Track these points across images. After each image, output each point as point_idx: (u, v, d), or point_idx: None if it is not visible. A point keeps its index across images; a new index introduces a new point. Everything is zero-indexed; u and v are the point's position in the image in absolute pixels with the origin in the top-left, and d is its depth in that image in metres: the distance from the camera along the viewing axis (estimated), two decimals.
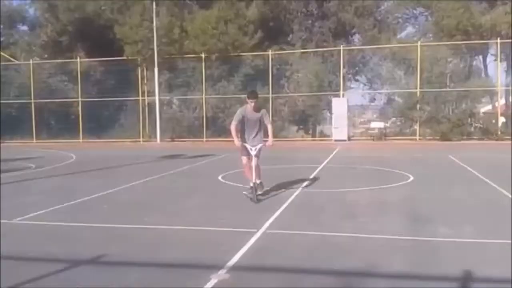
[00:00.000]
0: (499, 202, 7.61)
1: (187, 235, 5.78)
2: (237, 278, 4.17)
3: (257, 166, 7.88)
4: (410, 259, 4.73)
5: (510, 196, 7.89)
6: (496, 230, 5.80)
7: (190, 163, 14.35)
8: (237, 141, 7.75)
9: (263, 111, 7.96)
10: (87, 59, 28.76)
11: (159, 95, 26.54)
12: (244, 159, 8.01)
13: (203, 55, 26.37)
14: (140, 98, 27.93)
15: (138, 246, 5.32)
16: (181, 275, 4.32)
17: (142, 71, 28.14)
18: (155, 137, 26.56)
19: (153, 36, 26.02)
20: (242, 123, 7.82)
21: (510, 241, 5.27)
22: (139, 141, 26.94)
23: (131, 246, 5.32)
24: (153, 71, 26.50)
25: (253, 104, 7.71)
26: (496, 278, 4.13)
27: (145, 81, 28.31)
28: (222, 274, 4.23)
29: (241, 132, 7.88)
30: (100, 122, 27.90)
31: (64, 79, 29.16)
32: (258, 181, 7.86)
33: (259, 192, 7.87)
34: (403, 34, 32.50)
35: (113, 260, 4.77)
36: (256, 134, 7.86)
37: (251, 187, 7.76)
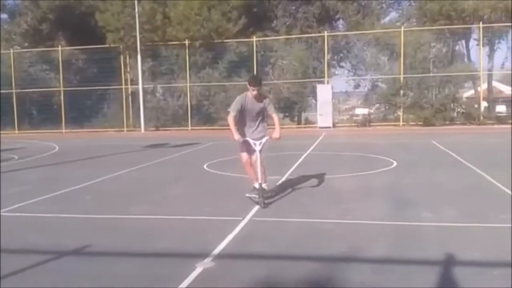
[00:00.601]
0: (481, 186, 7.74)
1: (172, 225, 5.77)
2: (222, 266, 4.18)
3: (262, 163, 6.66)
4: (394, 244, 4.79)
5: (492, 180, 8.03)
6: (478, 213, 5.90)
7: (175, 152, 14.29)
8: (237, 135, 6.55)
9: (267, 100, 6.79)
10: (68, 47, 28.33)
11: (143, 83, 26.30)
12: (244, 156, 6.88)
13: (186, 42, 26.12)
14: (123, 86, 27.64)
15: (124, 236, 5.30)
16: (167, 264, 4.32)
17: (125, 59, 27.81)
18: (139, 126, 26.37)
19: (135, 23, 25.71)
20: (241, 114, 6.67)
21: (492, 225, 5.38)
22: (123, 131, 26.73)
23: (116, 236, 5.30)
24: (136, 58, 26.22)
25: (255, 92, 6.54)
26: (478, 261, 4.21)
27: (128, 69, 28.00)
28: (207, 262, 4.25)
29: (239, 124, 6.73)
30: (83, 111, 27.59)
31: (45, 68, 28.72)
32: (264, 183, 6.62)
33: (265, 195, 6.61)
34: (386, 19, 32.58)
35: (98, 251, 4.75)
36: (257, 126, 6.80)
37: (256, 189, 6.59)
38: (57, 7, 29.36)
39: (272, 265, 4.28)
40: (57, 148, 16.68)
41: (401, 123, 24.49)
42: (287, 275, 3.94)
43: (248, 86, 6.61)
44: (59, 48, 27.53)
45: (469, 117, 23.80)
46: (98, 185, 8.74)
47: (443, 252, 4.36)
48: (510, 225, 5.30)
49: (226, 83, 26.35)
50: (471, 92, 30.36)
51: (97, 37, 26.78)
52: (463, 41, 32.28)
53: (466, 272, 3.94)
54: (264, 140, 6.71)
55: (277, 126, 6.90)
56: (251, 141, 6.67)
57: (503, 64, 32.94)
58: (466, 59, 31.75)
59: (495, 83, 36.52)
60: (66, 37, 29.40)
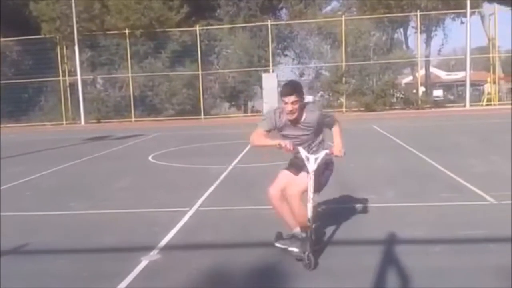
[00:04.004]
0: (421, 167, 8.04)
1: (116, 219, 5.57)
2: (169, 258, 4.08)
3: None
4: (340, 226, 4.88)
5: (431, 161, 8.36)
6: (419, 193, 6.12)
7: (118, 145, 13.87)
8: (277, 140, 3.93)
9: (318, 114, 4.02)
10: (1, 39, 26.69)
11: (81, 75, 25.30)
12: (285, 176, 4.24)
13: (127, 31, 25.36)
14: (61, 78, 26.51)
15: (64, 233, 5.06)
16: (110, 260, 4.16)
17: (62, 49, 26.64)
18: (79, 119, 25.41)
19: (71, 12, 24.60)
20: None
21: (433, 204, 5.60)
22: (62, 124, 25.66)
23: (56, 234, 5.05)
24: (73, 49, 25.16)
25: (291, 105, 3.85)
26: (421, 239, 4.35)
27: (66, 60, 26.86)
28: (153, 255, 4.13)
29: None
30: (19, 105, 26.23)
31: None
32: (309, 224, 3.85)
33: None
34: (328, 9, 33.18)
35: (37, 249, 4.50)
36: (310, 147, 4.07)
37: (296, 237, 4.03)
38: None
39: (220, 253, 4.23)
40: None
41: (344, 109, 25.05)
42: (235, 263, 3.90)
43: (282, 98, 3.93)
44: None
45: (408, 102, 24.74)
46: (37, 180, 8.31)
47: (386, 232, 4.48)
48: (450, 203, 5.54)
49: (170, 73, 25.87)
50: (409, 78, 31.55)
51: (31, 27, 25.43)
52: (402, 29, 33.47)
53: (409, 249, 4.06)
54: (322, 154, 3.92)
55: (337, 138, 4.13)
56: (303, 153, 3.94)
57: (439, 50, 34.52)
58: (404, 46, 32.97)
59: (432, 69, 38.23)
60: None
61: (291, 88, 3.94)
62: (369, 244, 4.26)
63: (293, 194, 3.92)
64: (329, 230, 4.71)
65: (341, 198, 6.07)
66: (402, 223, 4.86)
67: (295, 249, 3.92)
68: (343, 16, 26.82)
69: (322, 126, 4.11)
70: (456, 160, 8.48)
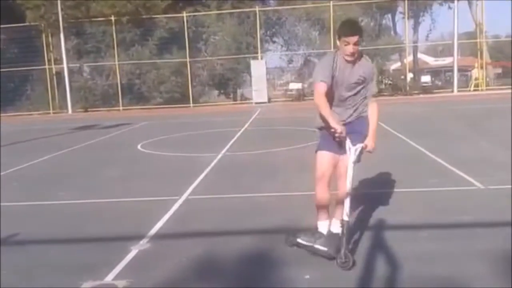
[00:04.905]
0: (409, 153, 8.10)
1: (105, 208, 5.54)
2: (158, 247, 4.08)
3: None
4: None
5: (419, 147, 8.42)
6: (408, 179, 6.14)
7: (106, 134, 13.75)
8: (336, 124, 3.44)
9: (370, 65, 3.66)
10: None
11: (68, 63, 24.93)
12: (326, 157, 3.68)
13: (112, 18, 24.99)
14: (47, 66, 26.11)
15: (53, 223, 5.02)
16: (100, 250, 4.14)
17: (47, 37, 26.20)
18: (66, 108, 25.11)
19: None
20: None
21: (422, 189, 5.64)
22: (49, 113, 25.36)
23: (45, 224, 5.01)
24: (59, 37, 24.76)
25: (349, 48, 3.43)
26: (409, 225, 4.39)
27: (51, 48, 26.43)
28: (143, 244, 4.12)
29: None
30: (5, 94, 25.77)
31: None
32: (346, 218, 3.48)
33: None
34: None
35: (25, 239, 4.46)
36: (353, 111, 3.66)
37: (322, 234, 3.71)
38: None
39: (210, 241, 4.24)
40: None
41: None
42: (225, 251, 3.91)
43: (339, 40, 3.47)
44: None
45: (396, 88, 24.81)
46: (24, 170, 8.22)
47: (375, 217, 4.51)
48: (438, 188, 5.59)
49: (158, 61, 25.62)
50: (398, 64, 31.65)
51: (16, 15, 24.92)
52: (390, 15, 33.48)
53: (396, 235, 4.10)
54: (359, 146, 3.54)
55: (372, 123, 3.65)
56: (348, 144, 3.51)
57: (427, 36, 34.61)
58: (392, 32, 33.01)
59: (420, 55, 38.36)
60: None
61: (356, 26, 3.55)
62: (357, 230, 4.28)
63: (339, 175, 3.66)
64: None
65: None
66: (389, 209, 4.89)
67: (323, 247, 3.55)
68: (331, 1, 26.65)
69: (370, 80, 3.61)
70: (444, 145, 8.55)
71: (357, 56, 3.51)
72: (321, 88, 3.48)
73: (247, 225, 4.61)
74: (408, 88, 24.64)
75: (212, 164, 7.81)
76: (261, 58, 25.85)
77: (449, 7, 26.04)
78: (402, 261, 3.50)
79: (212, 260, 3.75)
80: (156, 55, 25.85)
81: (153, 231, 4.46)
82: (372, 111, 3.67)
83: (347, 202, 3.49)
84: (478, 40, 25.52)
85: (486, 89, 24.31)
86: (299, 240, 3.75)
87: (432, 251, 3.70)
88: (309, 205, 5.18)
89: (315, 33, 29.99)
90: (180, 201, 5.52)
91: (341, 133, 3.41)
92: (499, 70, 34.99)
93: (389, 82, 25.65)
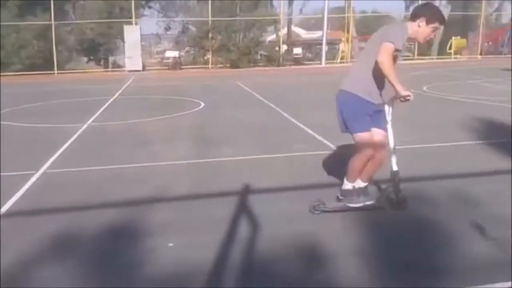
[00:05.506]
0: (279, 122, 8.41)
1: None
2: (10, 225, 3.72)
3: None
4: (197, 180, 4.90)
5: (288, 116, 8.77)
6: (276, 146, 6.40)
7: None
8: (402, 89, 3.44)
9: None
10: None
11: None
12: (370, 137, 3.72)
13: None
14: None
15: None
16: None
17: None
18: None
19: None
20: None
21: (287, 154, 5.89)
22: None
23: None
24: None
25: (432, 32, 3.69)
26: (273, 188, 4.56)
27: None
28: None
29: (366, 78, 3.65)
30: None
31: None
32: (396, 168, 3.73)
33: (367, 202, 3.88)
34: None
35: None
36: (386, 83, 3.64)
37: (361, 191, 3.89)
38: None
39: (68, 217, 3.98)
40: None
41: (210, 65, 25.00)
42: (82, 226, 3.69)
43: (427, 22, 3.59)
44: None
45: (271, 60, 25.46)
46: None
47: (240, 183, 4.61)
48: (300, 153, 5.89)
49: (19, 23, 23.04)
50: (273, 36, 32.47)
51: None
52: None
53: (259, 198, 4.24)
54: (390, 105, 3.73)
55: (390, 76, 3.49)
56: (386, 107, 3.70)
57: (301, 9, 35.99)
58: (269, 5, 33.70)
59: (294, 28, 39.77)
60: None
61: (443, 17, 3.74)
62: (223, 196, 4.35)
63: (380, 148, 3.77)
64: (186, 185, 4.71)
65: (201, 153, 6.11)
66: (255, 174, 5.04)
67: (369, 201, 3.85)
68: None
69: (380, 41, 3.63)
70: (308, 113, 9.02)
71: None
72: (392, 52, 3.47)
73: (108, 198, 4.41)
74: (281, 59, 25.46)
75: (76, 135, 7.32)
76: (136, 24, 24.67)
77: None
78: (264, 221, 3.64)
79: (68, 237, 3.52)
80: (17, 17, 23.23)
81: (3, 209, 4.06)
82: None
83: (394, 157, 3.74)
84: (346, 14, 27.12)
85: (351, 61, 26.11)
86: (351, 205, 3.83)
87: (292, 210, 3.89)
88: (178, 174, 5.15)
89: (194, 1, 29.43)
90: (36, 176, 5.09)
91: (409, 96, 3.46)
92: (364, 44, 37.78)
93: (265, 53, 26.23)
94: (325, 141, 6.42)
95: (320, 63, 25.31)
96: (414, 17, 3.67)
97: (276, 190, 4.52)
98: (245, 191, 4.43)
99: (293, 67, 24.36)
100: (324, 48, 25.96)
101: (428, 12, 3.64)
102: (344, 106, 3.80)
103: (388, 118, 3.72)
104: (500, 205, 3.82)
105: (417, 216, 3.72)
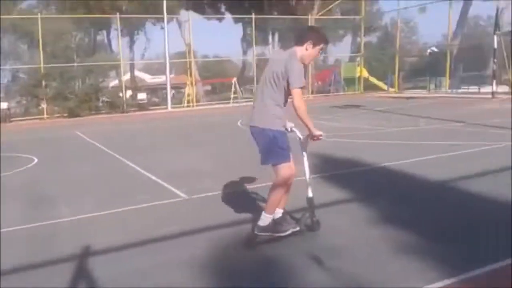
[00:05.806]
0: (122, 171, 8.04)
1: None
2: None
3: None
4: (30, 248, 4.35)
5: (131, 164, 8.44)
6: (118, 198, 6.04)
7: None
8: (315, 129, 3.89)
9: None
10: None
11: None
12: (292, 166, 3.93)
13: None
14: None
15: None
16: None
17: None
18: None
19: None
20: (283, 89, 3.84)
21: (131, 207, 5.58)
22: None
23: None
24: None
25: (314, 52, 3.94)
26: (116, 246, 4.24)
27: None
28: None
29: (278, 105, 3.88)
30: None
31: None
32: (311, 195, 4.16)
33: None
34: (24, 5, 30.26)
35: None
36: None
37: (284, 218, 4.12)
38: None
39: None
40: None
41: (45, 116, 23.07)
42: None
43: (313, 45, 3.84)
44: None
45: (114, 106, 24.49)
46: None
47: (79, 246, 4.21)
48: (146, 204, 5.64)
49: None
50: (115, 82, 31.61)
51: None
52: (105, 31, 33.30)
53: (104, 258, 3.93)
54: (303, 136, 4.10)
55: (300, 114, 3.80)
56: (298, 133, 4.08)
57: (143, 54, 35.84)
58: (109, 49, 32.90)
59: (137, 72, 39.37)
60: None
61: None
62: (60, 263, 3.91)
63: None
64: (16, 255, 4.12)
65: (34, 215, 5.48)
66: (96, 233, 4.67)
67: (295, 228, 4.02)
68: (40, 14, 24.68)
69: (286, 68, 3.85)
70: (154, 160, 8.84)
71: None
72: (301, 95, 3.74)
73: None
74: (125, 105, 24.73)
75: None
76: None
77: (162, 27, 27.42)
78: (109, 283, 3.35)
79: None
80: None
81: None
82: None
83: (310, 186, 4.10)
84: (187, 59, 27.69)
85: (197, 105, 26.58)
86: (277, 235, 3.94)
87: (142, 266, 3.68)
88: (6, 243, 4.48)
89: (24, 47, 27.30)
90: None
91: (321, 135, 3.89)
92: (209, 87, 38.92)
93: (107, 99, 25.19)
94: (172, 188, 6.29)
95: (166, 108, 25.29)
96: (301, 41, 3.84)
97: (121, 247, 4.22)
98: (84, 254, 4.05)
99: (138, 113, 23.83)
100: (169, 92, 26.05)
101: (313, 35, 3.88)
102: (260, 141, 3.87)
103: (304, 152, 4.08)
104: (337, 236, 4.11)
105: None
